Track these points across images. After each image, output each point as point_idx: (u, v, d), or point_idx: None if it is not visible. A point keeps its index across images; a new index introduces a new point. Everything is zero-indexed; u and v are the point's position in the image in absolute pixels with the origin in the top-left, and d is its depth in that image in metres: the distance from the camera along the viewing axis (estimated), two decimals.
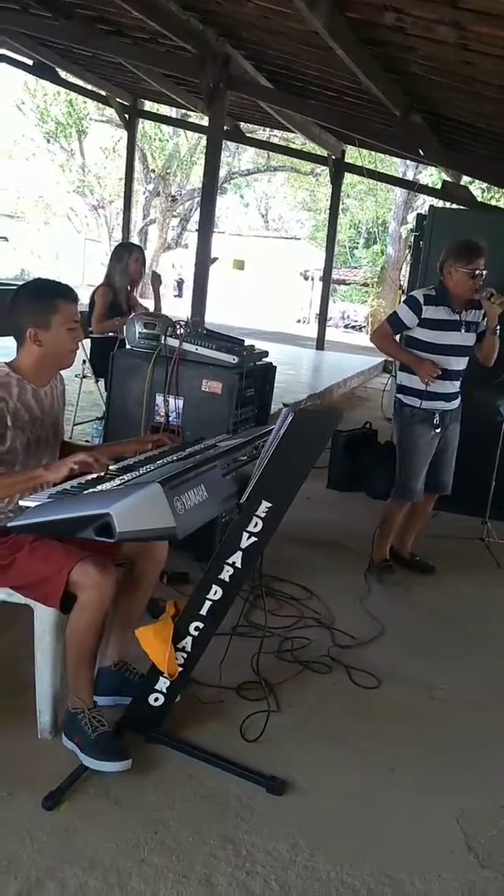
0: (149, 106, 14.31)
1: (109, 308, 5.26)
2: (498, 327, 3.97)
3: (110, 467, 2.38)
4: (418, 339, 3.98)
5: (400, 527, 4.35)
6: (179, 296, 26.16)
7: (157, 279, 5.74)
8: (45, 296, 2.46)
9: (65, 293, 2.48)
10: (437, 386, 3.97)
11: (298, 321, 27.44)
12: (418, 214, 6.18)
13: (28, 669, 2.50)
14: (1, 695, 2.66)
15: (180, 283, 25.72)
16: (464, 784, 2.55)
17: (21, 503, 2.27)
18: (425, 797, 2.46)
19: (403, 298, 4.16)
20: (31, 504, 2.17)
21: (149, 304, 5.63)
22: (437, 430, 4.03)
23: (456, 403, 4.12)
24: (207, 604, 2.39)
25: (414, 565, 4.40)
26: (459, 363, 4.02)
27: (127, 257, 5.38)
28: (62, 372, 2.67)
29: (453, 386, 4.04)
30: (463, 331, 3.96)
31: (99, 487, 2.19)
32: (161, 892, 1.95)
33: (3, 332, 5.71)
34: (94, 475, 2.34)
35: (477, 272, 3.84)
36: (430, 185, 15.33)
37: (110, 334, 5.23)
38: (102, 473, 2.33)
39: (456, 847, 2.26)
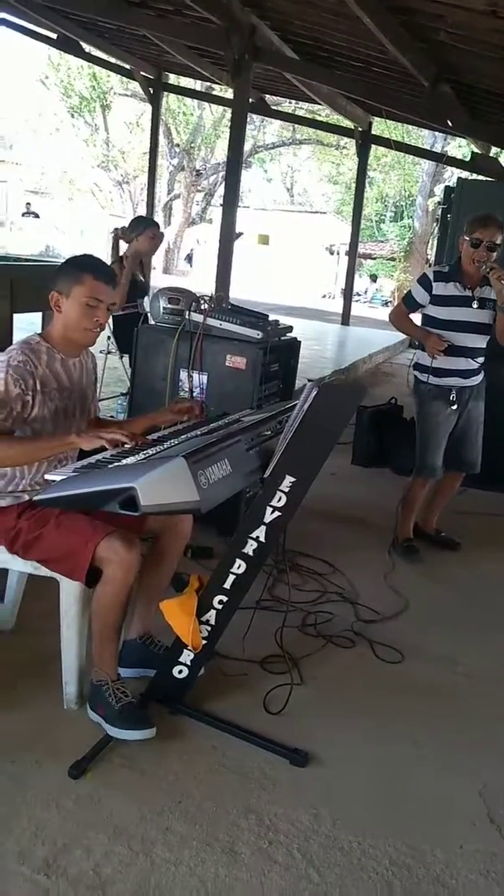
0: (173, 79, 14.17)
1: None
2: None
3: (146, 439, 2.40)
4: (431, 316, 3.99)
5: (424, 503, 4.33)
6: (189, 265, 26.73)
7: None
8: (78, 266, 2.47)
9: (97, 270, 2.46)
10: (450, 362, 3.94)
11: (324, 296, 27.24)
12: (446, 187, 6.11)
13: (54, 641, 2.53)
14: (28, 666, 2.71)
15: (190, 256, 26.15)
16: (486, 757, 2.55)
17: (46, 477, 2.29)
18: (448, 770, 2.47)
19: (418, 277, 4.15)
20: (57, 478, 2.19)
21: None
22: (454, 407, 4.00)
23: (476, 381, 4.07)
24: (231, 577, 2.40)
25: (439, 541, 4.39)
26: (474, 340, 3.95)
27: (139, 233, 5.34)
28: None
29: (469, 363, 3.98)
30: (475, 306, 3.90)
31: (124, 461, 2.20)
32: (185, 860, 1.98)
33: (28, 308, 5.72)
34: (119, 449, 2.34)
35: (480, 242, 3.77)
36: (459, 157, 15.09)
37: (131, 309, 5.24)
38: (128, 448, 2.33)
39: (478, 819, 2.27)
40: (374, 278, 28.76)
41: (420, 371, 4.05)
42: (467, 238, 3.82)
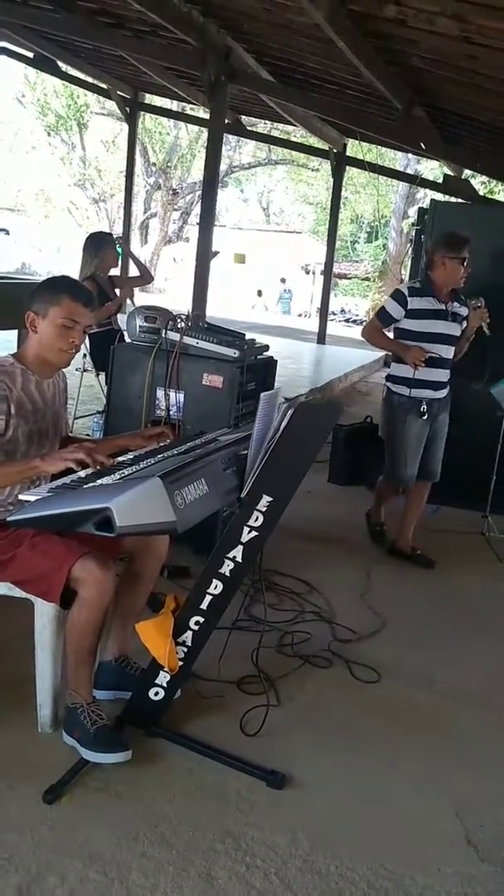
0: (149, 99, 14.23)
1: (98, 298, 5.26)
2: (473, 335, 4.22)
3: (111, 460, 2.38)
4: (407, 330, 4.12)
5: (398, 521, 4.39)
6: None
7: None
8: (55, 287, 2.48)
9: (74, 292, 2.48)
10: (425, 373, 4.08)
11: (299, 315, 27.36)
12: (420, 208, 6.16)
13: (29, 663, 2.50)
14: (1, 689, 2.66)
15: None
16: (464, 778, 2.55)
17: (20, 497, 2.27)
18: (425, 791, 2.46)
19: (390, 293, 4.28)
20: (31, 498, 2.16)
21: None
22: (425, 419, 4.12)
23: (444, 393, 4.22)
24: (208, 598, 2.39)
25: (415, 560, 4.40)
26: (446, 352, 4.15)
27: (105, 249, 5.40)
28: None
29: (440, 374, 4.15)
30: (449, 320, 4.11)
31: (99, 481, 2.19)
32: (161, 886, 1.95)
33: (0, 326, 5.70)
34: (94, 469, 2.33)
35: (465, 261, 4.02)
36: (431, 179, 15.27)
37: (106, 326, 5.26)
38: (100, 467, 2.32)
39: (456, 841, 2.26)
40: (283, 280, 29.27)
41: (395, 384, 4.17)
42: (450, 258, 4.00)
